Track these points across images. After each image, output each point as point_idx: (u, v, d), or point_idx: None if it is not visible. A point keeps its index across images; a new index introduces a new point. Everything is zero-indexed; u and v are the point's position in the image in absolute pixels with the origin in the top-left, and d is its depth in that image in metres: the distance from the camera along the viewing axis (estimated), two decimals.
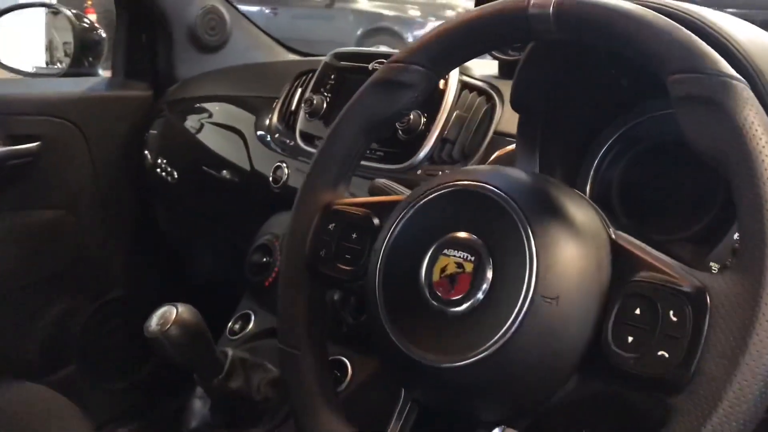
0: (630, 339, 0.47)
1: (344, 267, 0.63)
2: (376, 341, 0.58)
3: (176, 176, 1.32)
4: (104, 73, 1.60)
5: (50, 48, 1.80)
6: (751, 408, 0.42)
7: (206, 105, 1.34)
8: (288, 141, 1.07)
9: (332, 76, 1.04)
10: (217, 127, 1.27)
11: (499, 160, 0.84)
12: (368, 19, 7.31)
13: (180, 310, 0.81)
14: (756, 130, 0.45)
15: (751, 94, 0.47)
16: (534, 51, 0.73)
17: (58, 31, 1.68)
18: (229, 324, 1.05)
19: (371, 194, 0.74)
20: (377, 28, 7.18)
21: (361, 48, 1.29)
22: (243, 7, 1.61)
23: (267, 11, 6.66)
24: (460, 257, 0.54)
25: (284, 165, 1.05)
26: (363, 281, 0.62)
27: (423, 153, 0.90)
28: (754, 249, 0.44)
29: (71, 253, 1.44)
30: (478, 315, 0.52)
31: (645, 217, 0.78)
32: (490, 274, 0.52)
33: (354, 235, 0.64)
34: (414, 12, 7.71)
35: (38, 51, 1.84)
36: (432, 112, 0.90)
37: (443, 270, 0.55)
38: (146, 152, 1.43)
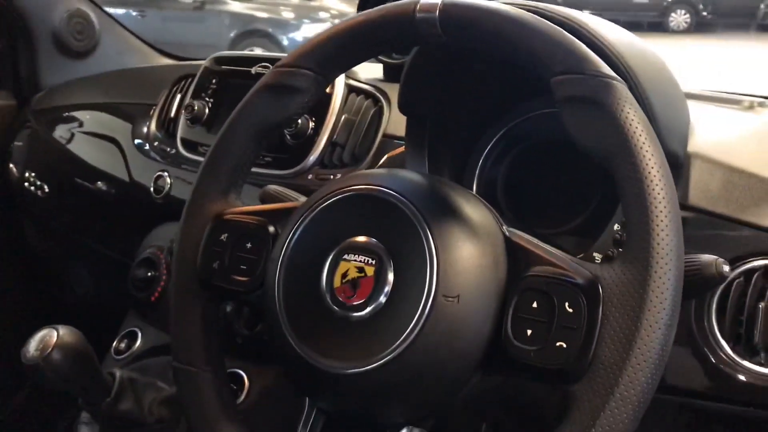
0: (529, 332, 0.49)
1: (240, 278, 0.61)
2: (278, 351, 0.57)
3: (47, 190, 1.24)
4: None
5: None
6: (644, 389, 0.45)
7: (77, 114, 1.26)
8: (168, 149, 1.03)
9: (213, 81, 1.01)
10: (91, 137, 1.20)
11: (389, 163, 0.85)
12: (241, 22, 7.20)
13: (61, 332, 0.76)
14: (636, 127, 0.48)
15: (629, 93, 0.50)
16: (418, 55, 0.74)
17: None
18: (114, 343, 0.99)
19: (262, 201, 0.72)
20: (250, 31, 7.08)
21: (241, 52, 1.26)
22: (108, 10, 1.53)
23: (134, 14, 6.37)
24: (361, 261, 0.53)
25: (166, 174, 1.00)
26: (260, 291, 0.60)
27: (313, 157, 0.89)
28: (640, 240, 0.46)
29: None
30: (381, 318, 0.52)
31: (529, 212, 0.82)
32: (391, 277, 0.52)
33: (249, 245, 0.62)
34: (288, 14, 7.66)
35: None
36: (320, 116, 0.89)
37: (344, 275, 0.54)
38: (11, 165, 1.33)
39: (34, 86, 1.39)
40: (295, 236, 0.58)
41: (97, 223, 1.18)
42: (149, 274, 0.98)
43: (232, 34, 7.00)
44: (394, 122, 0.87)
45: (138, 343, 0.98)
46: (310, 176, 0.89)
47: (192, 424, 0.62)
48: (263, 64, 0.96)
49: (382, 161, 0.85)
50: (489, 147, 0.83)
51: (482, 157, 0.83)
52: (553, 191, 0.80)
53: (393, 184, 0.55)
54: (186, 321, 0.64)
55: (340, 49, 0.62)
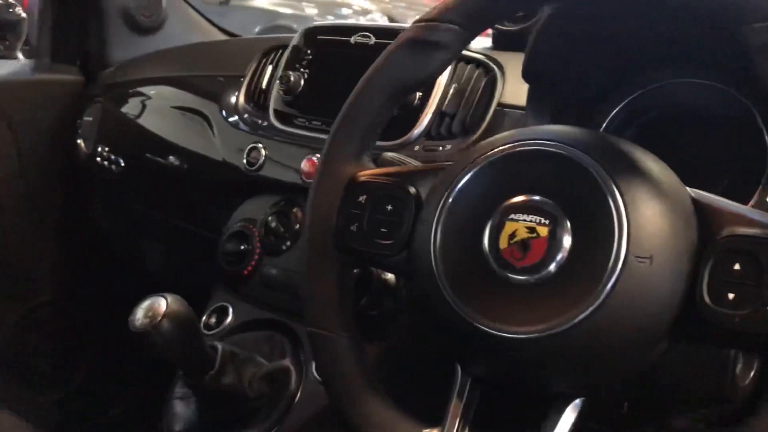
0: (731, 296, 0.46)
1: (381, 241, 0.59)
2: (433, 315, 0.54)
3: (122, 164, 1.21)
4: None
5: None
6: None
7: (150, 88, 1.24)
8: (260, 121, 1.00)
9: (308, 52, 0.98)
10: (169, 111, 1.18)
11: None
12: (265, 17, 7.20)
13: (169, 300, 0.74)
14: None
15: None
16: (548, 21, 0.71)
17: None
18: (204, 318, 0.97)
19: (382, 167, 0.70)
20: (274, 26, 7.08)
21: (339, 21, 1.23)
22: None
23: None
24: (531, 221, 0.50)
25: (260, 146, 0.98)
26: (404, 255, 0.57)
27: (420, 129, 0.86)
28: None
29: None
30: (559, 281, 0.49)
31: None
32: (568, 238, 0.49)
33: (389, 207, 0.59)
34: (311, 10, 7.67)
35: None
36: (427, 85, 0.86)
37: (512, 236, 0.51)
38: (79, 141, 1.31)
39: (101, 62, 1.37)
40: (452, 195, 0.55)
41: (178, 198, 1.16)
42: (241, 247, 0.96)
43: (256, 29, 7.00)
44: (510, 92, 0.84)
45: (229, 318, 0.95)
46: (416, 147, 0.86)
47: (333, 394, 0.59)
48: (363, 33, 0.93)
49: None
50: (609, 117, 0.80)
51: (602, 128, 0.80)
52: (684, 161, 0.77)
53: (568, 140, 0.52)
54: (322, 285, 0.61)
55: (486, 2, 0.59)
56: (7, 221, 1.31)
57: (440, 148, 0.85)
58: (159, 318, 0.72)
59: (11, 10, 1.38)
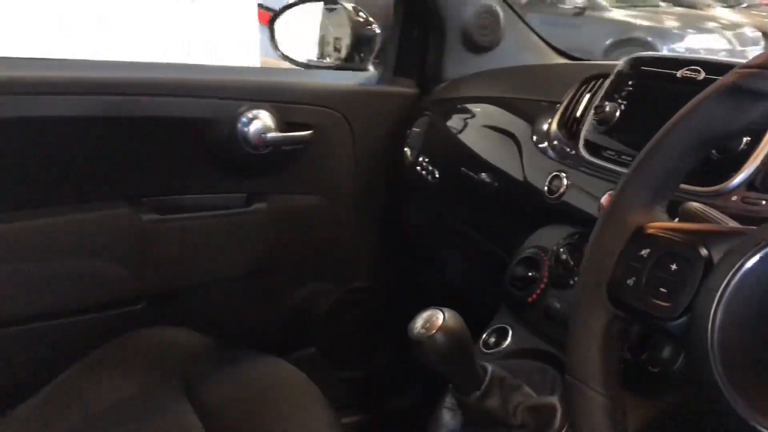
0: None
1: (658, 302, 0.54)
2: (702, 398, 0.49)
3: (437, 176, 1.30)
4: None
5: (322, 43, 1.88)
6: None
7: (473, 105, 1.30)
8: (569, 150, 0.99)
9: (629, 83, 0.94)
10: (486, 130, 1.22)
11: None
12: (618, 29, 7.00)
13: (446, 316, 0.77)
14: None
15: None
16: None
17: (332, 27, 1.75)
18: (484, 336, 0.99)
19: (681, 219, 0.64)
20: (627, 39, 6.84)
21: (665, 53, 1.17)
22: None
23: None
24: None
25: (563, 175, 0.97)
26: (683, 321, 0.52)
27: (741, 177, 0.77)
28: None
29: (323, 240, 1.49)
30: None
31: None
32: None
33: (673, 266, 0.54)
34: (671, 23, 7.23)
35: (314, 44, 1.93)
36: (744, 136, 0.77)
37: None
38: (406, 149, 1.43)
39: (436, 77, 1.47)
40: (748, 265, 0.48)
41: (480, 214, 1.20)
42: (529, 274, 0.96)
43: (607, 42, 6.85)
44: None
45: (508, 341, 0.97)
46: (734, 198, 0.77)
47: None
48: (692, 67, 0.86)
49: None
50: None
51: None
52: None
53: None
54: (587, 334, 0.59)
55: None
56: (340, 211, 1.48)
57: (764, 201, 0.75)
58: (434, 330, 0.76)
59: (368, 27, 1.54)
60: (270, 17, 1.58)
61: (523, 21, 1.50)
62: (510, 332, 0.98)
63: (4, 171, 1.16)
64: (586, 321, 0.59)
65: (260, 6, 4.98)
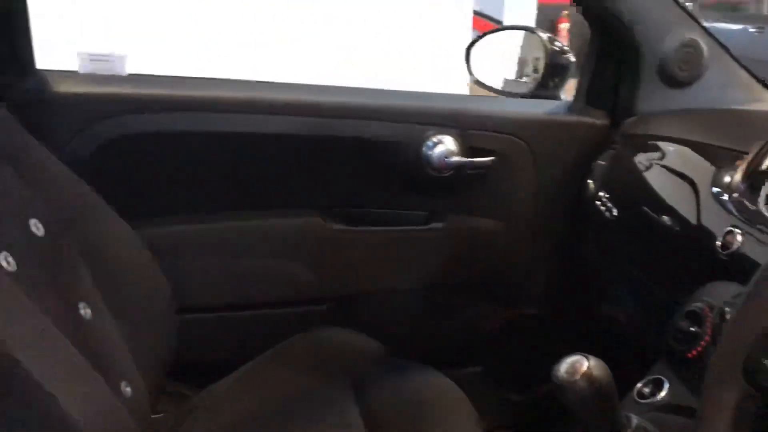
0: None
1: None
2: None
3: (615, 213, 1.28)
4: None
5: (521, 62, 1.92)
6: None
7: (662, 145, 1.27)
8: (749, 204, 0.95)
9: None
10: (670, 171, 1.19)
11: None
12: None
13: (591, 364, 0.78)
14: None
15: None
16: None
17: (531, 48, 1.78)
18: (639, 385, 0.98)
19: None
20: None
21: None
22: (720, 26, 1.46)
23: (752, 30, 6.04)
24: None
25: (737, 231, 0.93)
26: None
27: None
28: None
29: (497, 263, 1.53)
30: None
31: None
32: None
33: None
34: None
35: (509, 67, 1.97)
36: None
37: None
38: (589, 181, 1.42)
39: (627, 110, 1.44)
40: None
41: (652, 257, 1.18)
42: (692, 328, 0.93)
43: None
44: None
45: (662, 393, 0.94)
46: None
47: None
48: None
49: None
50: None
51: None
52: None
53: None
54: (718, 407, 0.59)
55: None
56: (516, 237, 1.51)
57: None
58: (577, 376, 0.77)
59: (564, 56, 1.55)
60: (470, 42, 1.64)
61: (730, 54, 1.43)
62: (666, 385, 0.95)
63: (222, 177, 1.35)
64: (718, 393, 0.59)
65: (476, 13, 5.07)
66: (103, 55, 1.29)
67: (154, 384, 1.08)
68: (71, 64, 1.31)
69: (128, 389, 0.98)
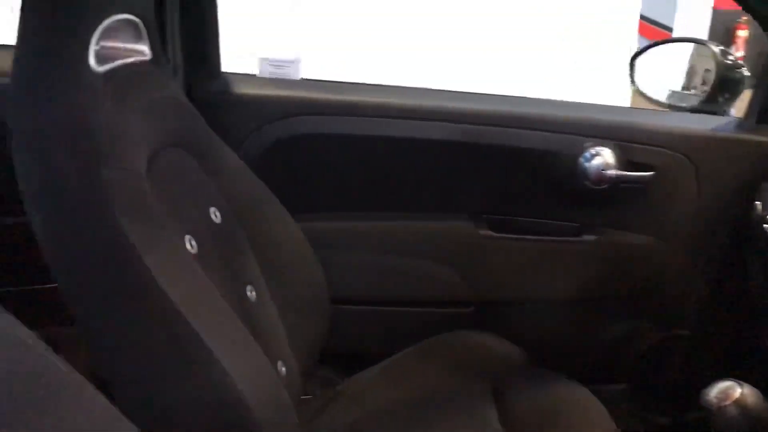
0: None
1: None
2: None
3: None
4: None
5: (690, 73, 1.84)
6: None
7: None
8: None
9: None
10: None
11: None
12: None
13: (744, 391, 0.76)
14: None
15: None
16: None
17: (701, 58, 1.70)
18: None
19: None
20: None
21: None
22: None
23: None
24: None
25: None
26: None
27: None
28: None
29: (650, 280, 1.48)
30: None
31: None
32: None
33: None
34: None
35: (675, 78, 1.89)
36: None
37: None
38: (757, 203, 1.35)
39: None
40: None
41: None
42: None
43: None
44: None
45: None
46: None
47: None
48: None
49: None
50: None
51: None
52: None
53: None
54: None
55: None
56: (673, 255, 1.46)
57: None
58: (728, 402, 0.76)
59: (737, 70, 1.47)
60: (635, 52, 1.60)
61: None
62: None
63: (380, 178, 1.42)
64: None
65: (643, 18, 4.85)
66: (280, 60, 1.39)
67: (305, 367, 1.16)
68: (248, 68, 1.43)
69: (283, 369, 1.07)
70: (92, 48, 0.82)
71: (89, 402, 0.53)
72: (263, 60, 1.40)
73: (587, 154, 1.37)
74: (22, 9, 0.80)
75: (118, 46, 0.90)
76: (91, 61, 0.82)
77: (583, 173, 1.37)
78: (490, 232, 1.45)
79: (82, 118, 0.79)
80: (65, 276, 0.78)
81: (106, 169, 0.78)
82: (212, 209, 1.05)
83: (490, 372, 1.28)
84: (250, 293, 1.07)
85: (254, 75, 1.42)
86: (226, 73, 1.41)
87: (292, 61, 1.42)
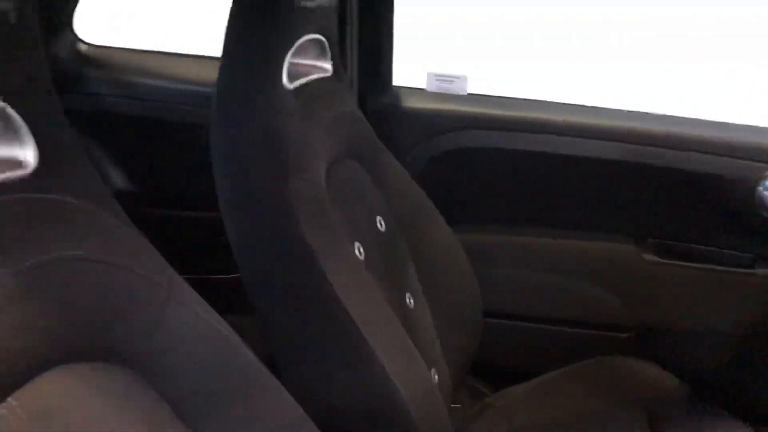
0: None
1: None
2: None
3: None
4: None
5: None
6: None
7: None
8: None
9: None
10: None
11: None
12: None
13: None
14: None
15: None
16: None
17: None
18: None
19: None
20: None
21: None
22: None
23: None
24: None
25: None
26: None
27: None
28: None
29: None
30: None
31: None
32: None
33: None
34: None
35: None
36: None
37: None
38: None
39: None
40: None
41: None
42: None
43: None
44: None
45: None
46: None
47: None
48: None
49: None
50: None
51: None
52: None
53: None
54: None
55: None
56: None
57: None
58: None
59: None
60: None
61: None
62: None
63: (541, 194, 1.42)
64: None
65: None
66: (448, 76, 1.43)
67: (456, 376, 1.19)
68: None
69: (436, 376, 1.10)
70: (286, 65, 0.90)
71: (275, 395, 0.58)
72: (431, 75, 1.45)
73: (766, 182, 1.29)
74: (229, 23, 0.88)
75: (306, 63, 0.98)
76: (284, 78, 0.90)
77: (761, 202, 1.29)
78: (654, 257, 1.40)
79: (275, 134, 0.86)
80: (251, 272, 0.86)
81: (293, 180, 0.84)
82: (378, 218, 1.11)
83: (646, 401, 1.24)
84: (409, 300, 1.11)
85: (422, 89, 1.47)
86: (397, 86, 1.47)
87: (458, 77, 1.45)
